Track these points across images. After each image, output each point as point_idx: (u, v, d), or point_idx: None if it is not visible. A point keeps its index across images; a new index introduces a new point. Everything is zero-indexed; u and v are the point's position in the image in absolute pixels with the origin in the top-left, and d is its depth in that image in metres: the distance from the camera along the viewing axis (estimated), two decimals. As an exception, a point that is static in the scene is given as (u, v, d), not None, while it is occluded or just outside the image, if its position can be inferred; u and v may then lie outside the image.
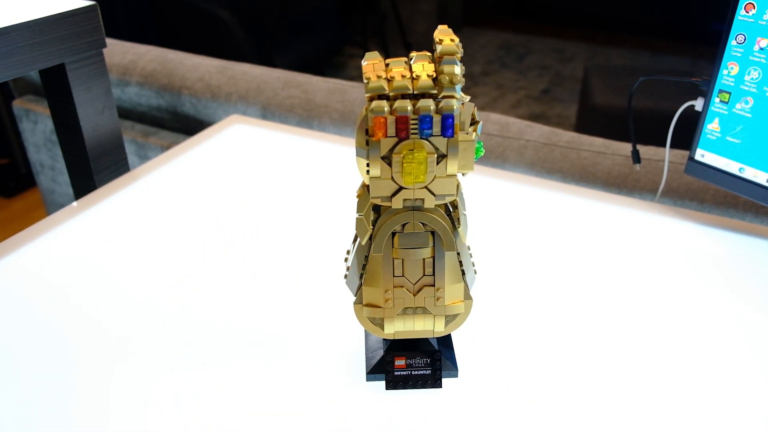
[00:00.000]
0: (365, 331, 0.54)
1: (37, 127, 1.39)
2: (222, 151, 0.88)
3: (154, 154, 1.27)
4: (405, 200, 0.43)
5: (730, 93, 0.67)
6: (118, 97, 1.32)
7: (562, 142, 0.98)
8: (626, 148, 0.96)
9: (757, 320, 0.58)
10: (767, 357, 0.54)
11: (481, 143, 0.43)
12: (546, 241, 0.69)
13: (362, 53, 0.48)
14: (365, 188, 0.45)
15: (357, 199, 0.46)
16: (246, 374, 0.52)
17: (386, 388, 0.50)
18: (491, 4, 3.91)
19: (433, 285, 0.46)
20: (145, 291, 0.61)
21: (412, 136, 0.40)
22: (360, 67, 0.42)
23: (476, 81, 3.08)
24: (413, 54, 0.42)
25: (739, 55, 0.66)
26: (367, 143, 0.41)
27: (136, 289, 0.62)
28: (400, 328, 0.48)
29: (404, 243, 0.45)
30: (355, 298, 0.48)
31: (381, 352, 0.51)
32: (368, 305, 0.47)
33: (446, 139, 0.41)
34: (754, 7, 0.63)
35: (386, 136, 0.40)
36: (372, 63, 0.41)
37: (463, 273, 0.47)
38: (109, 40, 0.94)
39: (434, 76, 0.40)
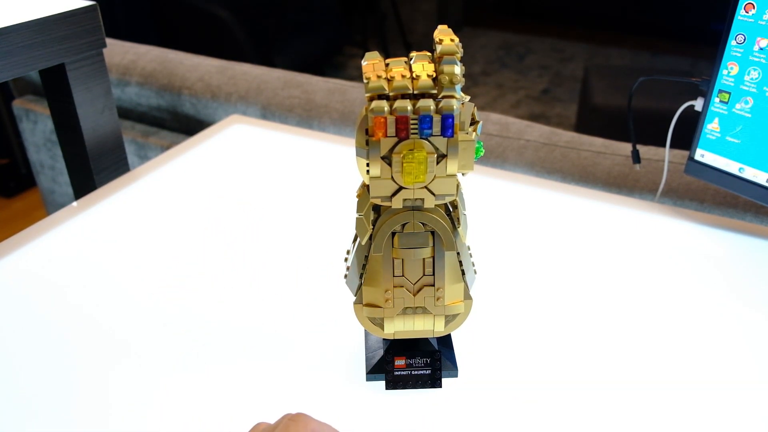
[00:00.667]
0: (365, 331, 0.54)
1: (37, 127, 1.39)
2: (222, 151, 0.88)
3: (154, 154, 1.27)
4: (405, 200, 0.43)
5: (730, 93, 0.67)
6: (118, 97, 1.32)
7: (562, 142, 0.98)
8: (626, 148, 0.96)
9: (757, 320, 0.58)
10: (767, 357, 0.54)
11: (481, 143, 0.43)
12: (546, 241, 0.69)
13: (362, 53, 0.48)
14: (365, 188, 0.45)
15: (357, 199, 0.46)
16: (246, 374, 0.52)
17: (386, 388, 0.50)
18: (491, 4, 3.91)
19: (433, 285, 0.46)
20: (145, 291, 0.61)
21: (412, 136, 0.40)
22: (360, 67, 0.42)
23: (476, 81, 3.08)
24: (413, 54, 0.42)
25: (739, 55, 0.66)
26: (367, 143, 0.41)
27: (136, 289, 0.62)
28: (400, 328, 0.48)
29: (404, 243, 0.45)
30: (355, 298, 0.48)
31: (381, 352, 0.51)
32: (368, 305, 0.47)
33: (446, 139, 0.41)
34: (754, 7, 0.63)
35: (386, 136, 0.40)
36: (372, 63, 0.41)
37: (463, 273, 0.47)
38: (109, 40, 0.94)
39: (434, 76, 0.40)
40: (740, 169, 0.68)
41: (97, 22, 0.82)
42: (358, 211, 0.45)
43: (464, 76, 0.40)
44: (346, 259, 0.50)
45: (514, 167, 0.97)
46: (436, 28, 0.43)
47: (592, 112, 2.03)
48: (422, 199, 0.43)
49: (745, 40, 0.65)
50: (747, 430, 0.47)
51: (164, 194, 0.78)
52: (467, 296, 0.47)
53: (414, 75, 0.41)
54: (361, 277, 0.47)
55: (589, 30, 3.51)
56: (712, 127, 0.69)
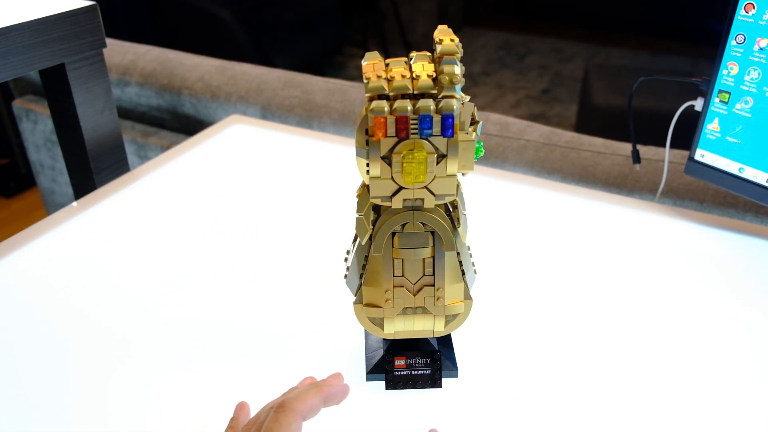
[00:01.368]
0: (365, 331, 0.54)
1: (37, 127, 1.39)
2: (222, 151, 0.88)
3: (154, 154, 1.27)
4: (405, 200, 0.43)
5: (729, 93, 0.67)
6: (118, 97, 1.32)
7: (562, 142, 0.98)
8: (626, 148, 0.96)
9: (757, 320, 0.58)
10: (767, 357, 0.54)
11: (481, 143, 0.43)
12: (546, 241, 0.69)
13: (362, 53, 0.47)
14: (365, 188, 0.45)
15: (357, 199, 0.46)
16: (246, 374, 0.52)
17: (386, 388, 0.50)
18: (491, 4, 3.91)
19: (433, 285, 0.46)
20: (145, 291, 0.61)
21: (412, 136, 0.40)
22: (360, 67, 0.42)
23: (476, 81, 3.08)
24: (413, 54, 0.42)
25: (739, 55, 0.66)
26: (367, 143, 0.41)
27: (136, 289, 0.62)
28: (400, 328, 0.48)
29: (404, 243, 0.45)
30: (355, 298, 0.48)
31: (381, 352, 0.51)
32: (368, 305, 0.47)
33: (446, 139, 0.41)
34: (754, 7, 0.63)
35: (386, 136, 0.40)
36: (372, 63, 0.41)
37: (463, 273, 0.47)
38: (109, 40, 0.94)
39: (434, 76, 0.40)
40: (740, 169, 0.68)
41: (97, 22, 0.82)
42: (358, 211, 0.45)
43: (464, 76, 0.40)
44: (346, 259, 0.50)
45: (514, 167, 0.97)
46: (436, 28, 0.43)
47: (592, 112, 2.03)
48: (422, 199, 0.43)
49: (745, 40, 0.65)
50: (747, 430, 0.47)
51: (164, 194, 0.78)
52: (467, 296, 0.47)
53: (414, 75, 0.41)
54: (361, 277, 0.47)
55: (589, 30, 3.51)
56: (712, 127, 0.69)
